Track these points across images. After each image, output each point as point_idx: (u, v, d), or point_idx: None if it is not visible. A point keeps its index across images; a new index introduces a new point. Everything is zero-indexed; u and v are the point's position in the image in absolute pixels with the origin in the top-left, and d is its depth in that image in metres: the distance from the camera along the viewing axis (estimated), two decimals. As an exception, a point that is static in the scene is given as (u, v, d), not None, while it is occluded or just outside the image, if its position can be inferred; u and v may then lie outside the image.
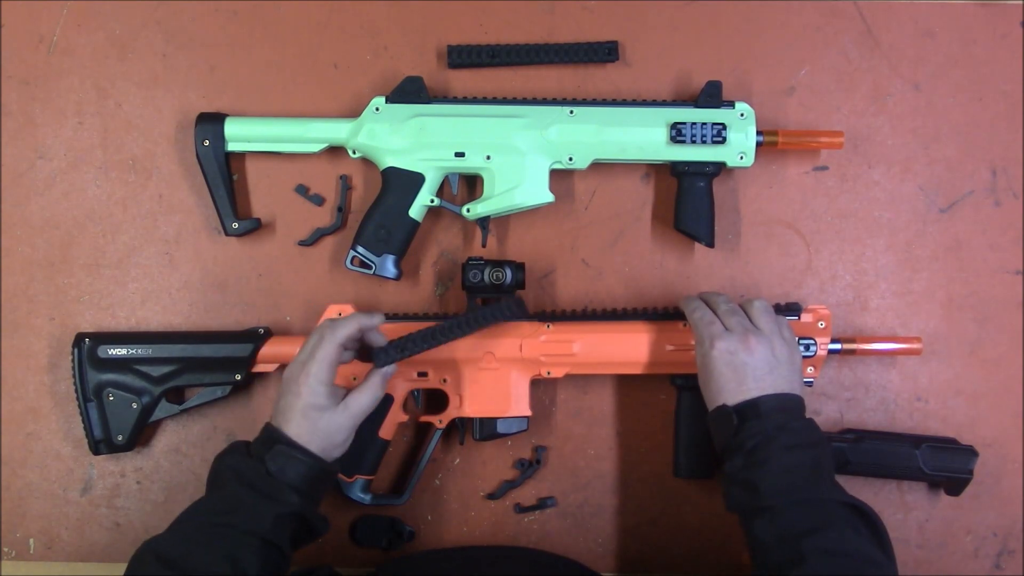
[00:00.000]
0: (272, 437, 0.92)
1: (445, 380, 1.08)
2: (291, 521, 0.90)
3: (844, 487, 0.92)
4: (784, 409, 0.93)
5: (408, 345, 0.99)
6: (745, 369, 0.94)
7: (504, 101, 1.09)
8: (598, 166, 1.11)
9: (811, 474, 0.90)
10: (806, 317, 1.08)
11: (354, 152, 1.10)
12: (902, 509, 1.14)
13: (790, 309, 1.07)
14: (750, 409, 0.93)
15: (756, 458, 0.90)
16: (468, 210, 1.09)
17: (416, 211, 1.08)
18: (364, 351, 1.00)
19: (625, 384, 1.14)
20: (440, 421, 1.09)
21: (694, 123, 1.07)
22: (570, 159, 1.08)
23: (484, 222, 1.10)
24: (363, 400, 0.95)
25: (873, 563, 0.85)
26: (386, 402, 1.07)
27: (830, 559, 0.84)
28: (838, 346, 1.08)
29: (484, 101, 1.09)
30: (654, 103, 1.10)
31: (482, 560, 1.09)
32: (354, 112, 1.11)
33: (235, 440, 0.96)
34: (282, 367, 1.09)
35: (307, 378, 0.92)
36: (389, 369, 0.98)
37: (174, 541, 0.88)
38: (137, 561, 0.88)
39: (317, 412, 0.92)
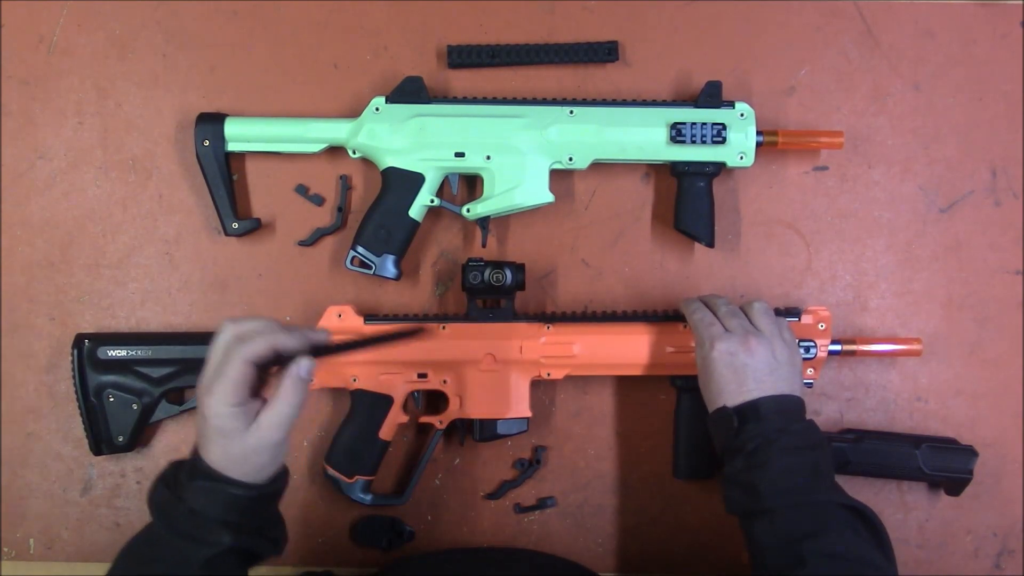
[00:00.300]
0: (194, 467, 0.80)
1: (445, 381, 1.08)
2: (227, 558, 0.80)
3: (844, 487, 0.92)
4: (784, 411, 0.93)
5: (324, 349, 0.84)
6: (745, 370, 0.94)
7: (504, 101, 1.09)
8: (598, 166, 1.11)
9: (811, 476, 0.89)
10: (806, 319, 1.08)
11: (354, 152, 1.10)
12: (902, 509, 1.14)
13: (789, 313, 1.07)
14: (750, 411, 0.93)
15: (756, 460, 0.90)
16: (468, 210, 1.09)
17: (416, 211, 1.08)
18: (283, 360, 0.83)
19: (625, 385, 1.14)
20: (440, 422, 1.09)
21: (694, 123, 1.07)
22: (570, 159, 1.08)
23: (484, 222, 1.10)
24: (277, 414, 0.79)
25: (873, 566, 0.85)
26: (386, 403, 1.07)
27: (830, 562, 0.84)
28: (838, 347, 1.08)
29: (484, 101, 1.09)
30: (654, 103, 1.10)
31: (483, 561, 1.09)
32: (354, 112, 1.11)
33: (174, 460, 0.84)
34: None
35: (211, 400, 0.78)
36: (302, 369, 0.80)
37: None
38: None
39: (225, 438, 0.78)
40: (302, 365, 0.80)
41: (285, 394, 0.79)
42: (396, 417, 1.08)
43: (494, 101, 1.09)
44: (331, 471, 1.07)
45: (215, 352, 0.80)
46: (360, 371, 1.06)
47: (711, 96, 1.09)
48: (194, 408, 1.08)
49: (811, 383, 1.08)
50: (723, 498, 0.94)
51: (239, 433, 0.78)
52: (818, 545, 0.85)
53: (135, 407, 1.07)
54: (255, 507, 0.81)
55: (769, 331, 0.98)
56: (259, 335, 0.79)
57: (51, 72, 1.15)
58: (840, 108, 1.15)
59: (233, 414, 0.78)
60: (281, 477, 0.85)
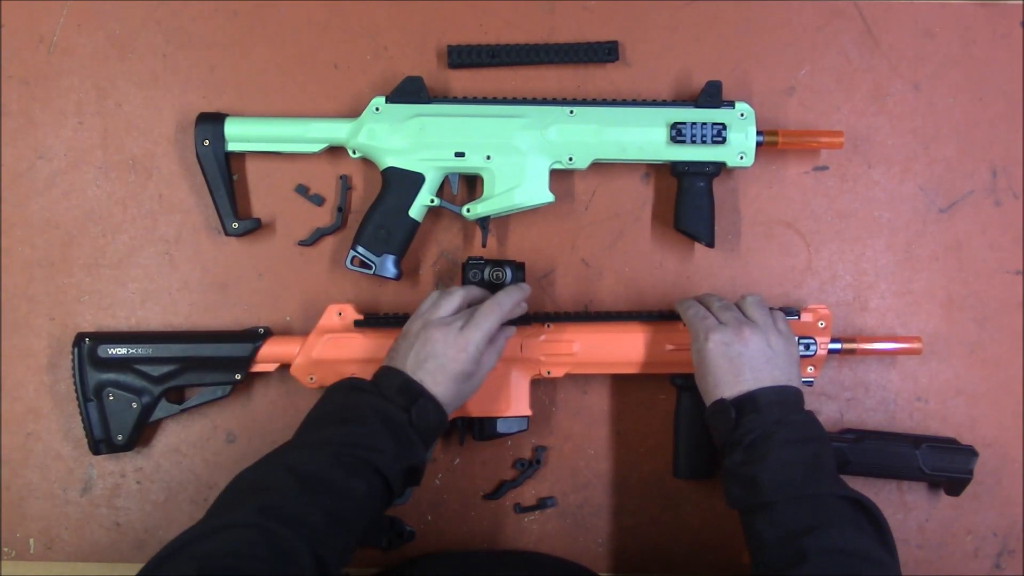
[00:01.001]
0: (414, 390, 0.93)
1: (445, 380, 1.08)
2: (411, 472, 0.93)
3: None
4: (782, 402, 0.93)
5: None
6: (741, 360, 0.94)
7: (504, 101, 1.09)
8: (598, 166, 1.11)
9: (811, 469, 0.89)
10: (806, 317, 1.08)
11: (354, 152, 1.10)
12: (902, 509, 1.14)
13: (788, 312, 1.07)
14: (748, 403, 0.93)
15: (755, 453, 0.90)
16: (468, 210, 1.09)
17: (416, 211, 1.08)
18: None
19: (625, 384, 1.14)
20: (440, 421, 1.09)
21: (694, 123, 1.07)
22: (570, 159, 1.08)
23: (484, 222, 1.10)
24: (490, 361, 0.99)
25: (875, 561, 0.84)
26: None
27: (832, 558, 0.83)
28: (838, 346, 1.09)
29: (484, 101, 1.09)
30: (654, 103, 1.10)
31: (484, 563, 1.09)
32: (354, 112, 1.11)
33: (352, 377, 0.97)
34: (283, 367, 1.09)
35: (467, 346, 0.94)
36: (508, 333, 1.02)
37: (312, 463, 0.87)
38: (265, 479, 0.85)
39: (465, 379, 0.95)
40: (510, 330, 1.02)
41: (496, 349, 0.99)
42: (396, 417, 1.08)
43: (494, 101, 1.09)
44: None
45: (462, 314, 0.98)
46: (360, 370, 1.06)
47: (711, 96, 1.09)
48: (194, 408, 1.09)
49: (811, 381, 1.08)
50: (724, 492, 0.94)
51: (468, 378, 0.96)
52: (819, 540, 0.84)
53: (135, 406, 1.07)
54: (439, 435, 0.96)
55: (763, 322, 0.98)
56: (494, 312, 0.97)
57: (51, 72, 1.15)
58: (840, 108, 1.15)
59: (476, 358, 0.95)
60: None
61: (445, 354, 0.94)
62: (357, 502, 0.86)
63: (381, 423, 0.90)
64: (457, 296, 1.00)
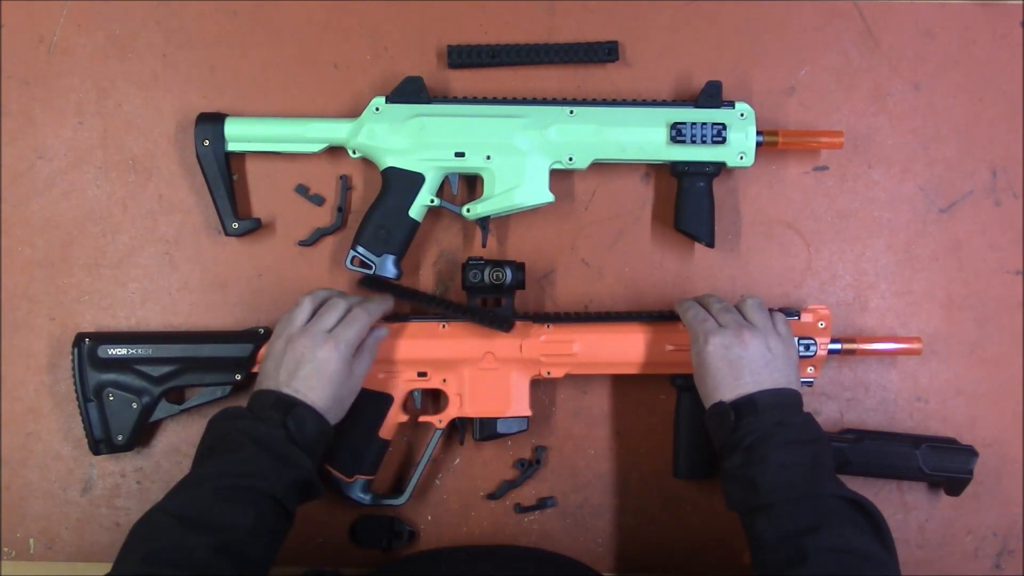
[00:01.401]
0: (287, 403, 0.93)
1: (445, 380, 1.08)
2: (302, 486, 0.93)
3: (844, 484, 0.92)
4: (781, 404, 0.93)
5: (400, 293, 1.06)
6: (740, 363, 0.94)
7: (504, 101, 1.09)
8: (598, 166, 1.11)
9: (810, 470, 0.89)
10: (806, 317, 1.08)
11: (354, 152, 1.10)
12: (902, 509, 1.14)
13: (788, 312, 1.07)
14: (747, 405, 0.93)
15: (755, 455, 0.90)
16: (468, 210, 1.09)
17: (416, 211, 1.08)
18: None
19: (625, 384, 1.14)
20: (440, 421, 1.09)
21: (694, 123, 1.07)
22: (570, 159, 1.08)
23: (484, 222, 1.10)
24: (364, 364, 1.00)
25: (875, 560, 0.85)
26: (386, 402, 1.07)
27: (831, 557, 0.84)
28: (838, 346, 1.08)
29: (484, 101, 1.09)
30: (654, 103, 1.10)
31: (484, 559, 1.09)
32: (354, 112, 1.11)
33: (228, 407, 0.97)
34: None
35: (337, 344, 0.96)
36: (380, 334, 1.03)
37: (191, 503, 0.88)
38: (148, 528, 0.86)
39: (339, 380, 0.96)
40: (381, 332, 1.03)
41: (370, 348, 1.01)
42: (396, 416, 1.08)
43: (494, 101, 1.09)
44: (331, 470, 1.07)
45: (328, 314, 0.99)
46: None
47: (711, 96, 1.09)
48: (194, 408, 1.09)
49: (811, 382, 1.08)
50: (724, 495, 0.94)
51: (345, 378, 0.97)
52: (819, 540, 0.84)
53: (135, 406, 1.07)
54: (326, 444, 0.97)
55: (762, 324, 0.98)
56: (366, 311, 1.00)
57: (51, 72, 1.15)
58: (840, 108, 1.15)
59: (347, 363, 0.97)
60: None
61: (315, 356, 0.95)
62: (247, 530, 0.86)
63: (255, 445, 0.91)
64: (306, 303, 1.01)
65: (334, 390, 0.96)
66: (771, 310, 1.03)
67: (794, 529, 0.86)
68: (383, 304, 1.04)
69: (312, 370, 0.95)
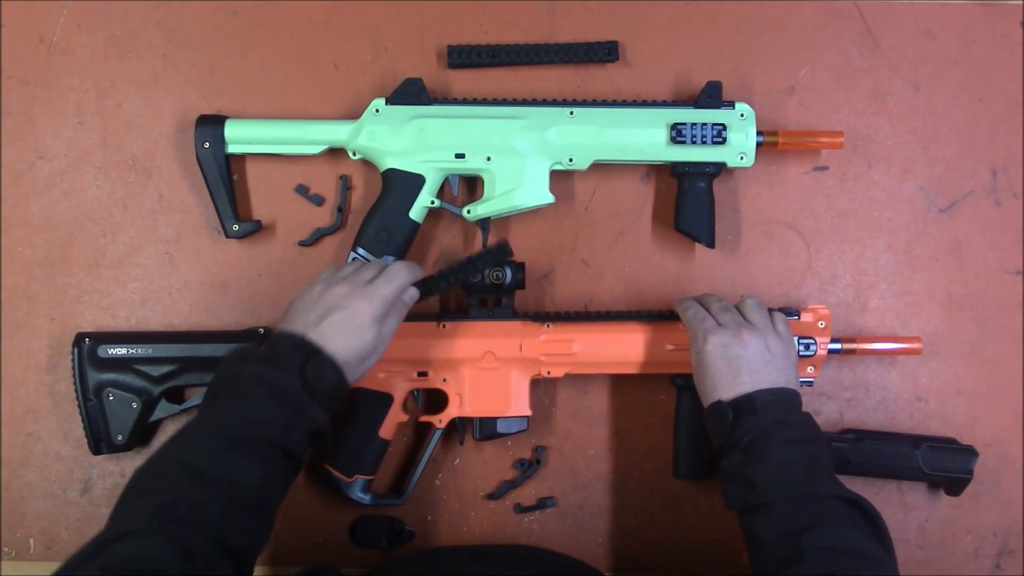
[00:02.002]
0: (309, 349, 0.90)
1: (445, 380, 1.08)
2: (313, 437, 0.90)
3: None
4: (780, 403, 0.93)
5: (440, 278, 1.01)
6: (739, 362, 0.94)
7: (504, 102, 1.09)
8: (598, 166, 1.11)
9: (809, 469, 0.89)
10: (806, 317, 1.08)
11: (354, 154, 1.10)
12: (902, 509, 1.14)
13: (788, 312, 1.07)
14: (745, 404, 0.93)
15: (753, 454, 0.90)
16: (468, 211, 1.09)
17: (416, 212, 1.08)
18: None
19: (625, 384, 1.14)
20: (440, 421, 1.09)
21: (694, 123, 1.07)
22: (570, 160, 1.08)
23: (485, 223, 1.10)
24: (393, 323, 0.97)
25: (872, 560, 0.85)
26: (386, 401, 1.07)
27: (829, 556, 0.84)
28: (838, 346, 1.08)
29: (484, 103, 1.09)
30: (654, 103, 1.10)
31: (483, 559, 1.09)
32: (354, 112, 1.11)
33: (243, 346, 0.95)
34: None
35: (374, 297, 0.93)
36: (410, 296, 0.99)
37: (201, 451, 0.85)
38: (157, 478, 0.83)
39: (368, 334, 0.93)
40: (410, 292, 0.99)
41: (398, 312, 0.98)
42: (396, 416, 1.08)
43: (494, 102, 1.09)
44: (331, 470, 1.07)
45: (368, 269, 0.97)
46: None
47: (711, 96, 1.09)
48: (194, 408, 1.09)
49: (811, 381, 1.08)
50: (722, 494, 0.94)
51: (374, 335, 0.93)
52: (816, 539, 0.84)
53: (135, 406, 1.07)
54: (339, 399, 0.93)
55: (762, 324, 0.98)
56: (407, 268, 0.98)
57: (51, 72, 1.15)
58: (840, 108, 1.15)
59: (379, 319, 0.94)
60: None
61: (350, 305, 0.92)
62: (258, 482, 0.84)
63: (269, 394, 0.87)
64: (373, 267, 0.98)
65: (360, 343, 0.92)
66: (771, 310, 1.03)
67: (792, 528, 0.86)
68: (417, 268, 1.00)
69: (343, 318, 0.92)
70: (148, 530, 0.78)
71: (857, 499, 0.88)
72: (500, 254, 1.01)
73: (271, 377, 0.88)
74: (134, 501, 0.82)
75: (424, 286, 1.00)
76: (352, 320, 0.92)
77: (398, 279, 0.96)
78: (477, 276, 1.04)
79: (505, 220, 1.14)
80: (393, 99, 1.09)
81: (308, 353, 0.90)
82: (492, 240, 1.13)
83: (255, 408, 0.87)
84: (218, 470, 0.83)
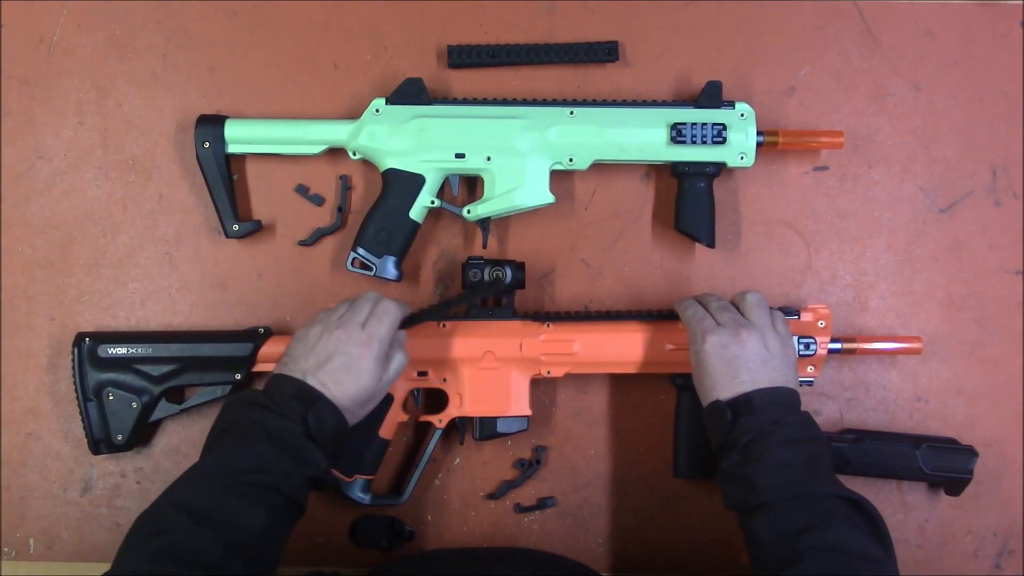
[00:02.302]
0: (309, 395, 0.91)
1: (445, 379, 1.08)
2: (313, 482, 0.91)
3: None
4: (778, 403, 0.93)
5: (429, 311, 1.03)
6: (737, 362, 0.94)
7: (504, 102, 1.09)
8: (598, 166, 1.11)
9: (808, 469, 0.89)
10: (806, 316, 1.08)
11: (354, 154, 1.10)
12: (902, 509, 1.14)
13: (787, 312, 1.07)
14: (744, 404, 0.93)
15: (752, 454, 0.90)
16: (468, 211, 1.09)
17: (416, 212, 1.08)
18: None
19: (625, 384, 1.14)
20: (440, 421, 1.09)
21: (694, 123, 1.07)
22: (570, 160, 1.08)
23: (485, 223, 1.10)
24: (396, 366, 0.98)
25: (872, 560, 0.85)
26: (386, 401, 1.07)
27: (828, 556, 0.83)
28: (838, 346, 1.08)
29: (484, 102, 1.09)
30: (654, 103, 1.10)
31: (482, 560, 1.09)
32: (354, 112, 1.11)
33: (245, 391, 0.95)
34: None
35: (370, 343, 0.94)
36: (400, 336, 1.01)
37: (202, 496, 0.85)
38: (157, 521, 0.84)
39: (368, 379, 0.94)
40: (400, 336, 1.00)
41: (401, 353, 0.99)
42: (396, 415, 1.08)
43: (494, 102, 1.09)
44: (331, 470, 1.07)
45: (361, 307, 0.97)
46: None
47: (711, 96, 1.09)
48: (194, 407, 1.09)
49: (811, 381, 1.08)
50: (722, 494, 0.94)
51: (374, 379, 0.94)
52: (816, 539, 0.84)
53: (135, 405, 1.07)
54: (341, 442, 0.95)
55: (761, 323, 0.98)
56: (396, 306, 0.98)
57: (51, 72, 1.15)
58: (840, 108, 1.15)
59: (380, 362, 0.95)
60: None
61: (349, 351, 0.93)
62: (260, 527, 0.85)
63: (270, 440, 0.88)
64: (367, 304, 0.98)
65: (360, 388, 0.93)
66: (771, 309, 1.03)
67: (791, 528, 0.86)
68: (404, 305, 1.02)
69: (342, 364, 0.93)
70: (147, 573, 0.79)
71: (857, 499, 0.88)
72: (492, 288, 1.04)
73: (273, 423, 0.89)
74: (134, 544, 0.83)
75: (412, 321, 1.02)
76: (352, 367, 0.93)
77: (389, 316, 0.97)
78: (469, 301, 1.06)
79: (505, 219, 1.14)
80: (393, 99, 1.09)
81: (308, 400, 0.91)
82: (492, 241, 1.14)
83: (257, 454, 0.88)
84: (219, 514, 0.84)
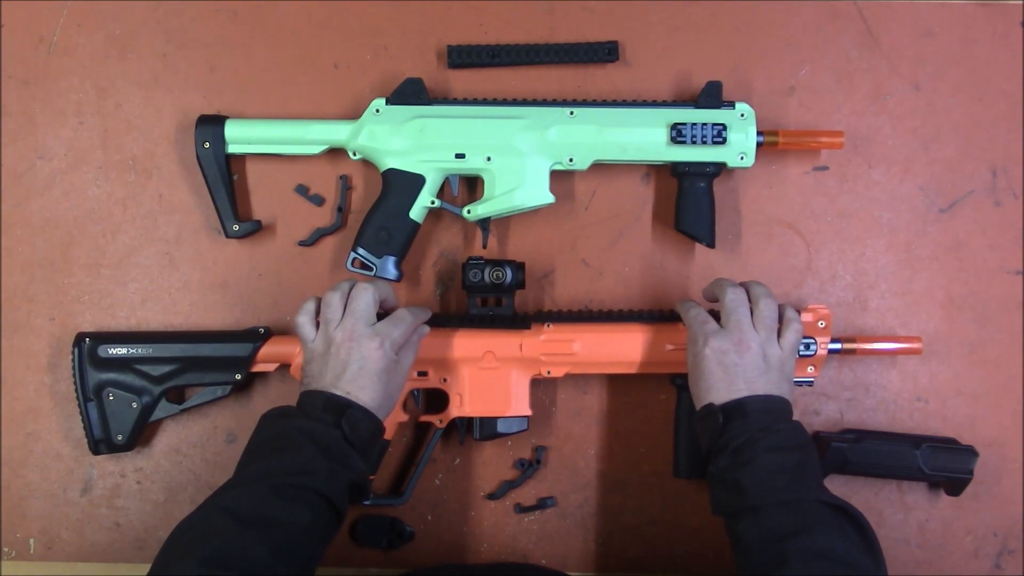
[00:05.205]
0: (339, 404, 0.93)
1: (445, 379, 1.08)
2: (354, 488, 0.93)
3: (845, 487, 0.92)
4: (770, 411, 0.93)
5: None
6: (736, 369, 0.94)
7: (504, 102, 1.09)
8: (598, 166, 1.11)
9: (796, 475, 0.89)
10: (806, 317, 1.08)
11: (355, 154, 1.10)
12: (902, 509, 1.14)
13: None
14: (736, 409, 0.93)
15: (741, 458, 0.90)
16: (469, 211, 1.09)
17: (416, 213, 1.08)
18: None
19: (625, 384, 1.14)
20: (440, 421, 1.09)
21: (694, 123, 1.07)
22: (570, 160, 1.08)
23: (485, 223, 1.10)
24: (409, 358, 1.01)
25: (858, 566, 0.84)
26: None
27: (813, 561, 0.83)
28: (838, 346, 1.08)
29: (484, 102, 1.09)
30: (654, 103, 1.10)
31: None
32: (354, 112, 1.11)
33: (280, 405, 0.96)
34: (283, 367, 1.09)
35: (382, 343, 0.96)
36: (424, 330, 1.04)
37: (248, 500, 0.86)
38: (203, 527, 0.84)
39: (387, 376, 0.96)
40: (424, 329, 1.04)
41: (413, 347, 1.02)
42: (396, 416, 1.08)
43: (494, 102, 1.09)
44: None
45: (361, 299, 0.98)
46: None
47: (711, 96, 1.09)
48: (194, 407, 1.09)
49: (811, 381, 1.08)
50: (709, 499, 0.94)
51: (392, 375, 0.97)
52: (801, 544, 0.84)
53: (135, 405, 1.07)
54: (378, 443, 0.99)
55: (766, 334, 0.97)
56: (370, 288, 0.99)
57: (51, 72, 1.15)
58: (840, 108, 1.15)
59: (393, 359, 0.97)
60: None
61: (361, 356, 0.95)
62: (303, 530, 0.86)
63: (312, 444, 0.90)
64: (334, 298, 0.98)
65: (383, 386, 0.95)
66: (790, 310, 1.01)
67: (777, 533, 0.86)
68: (425, 312, 1.04)
69: (359, 369, 0.95)
70: None
71: (845, 506, 0.88)
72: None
73: (313, 429, 0.91)
74: (178, 552, 0.83)
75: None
76: (368, 369, 0.95)
77: (405, 323, 0.99)
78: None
79: (505, 219, 1.14)
80: (393, 99, 1.09)
81: (340, 408, 0.93)
82: (492, 241, 1.14)
83: (303, 459, 0.89)
84: (264, 514, 0.85)
